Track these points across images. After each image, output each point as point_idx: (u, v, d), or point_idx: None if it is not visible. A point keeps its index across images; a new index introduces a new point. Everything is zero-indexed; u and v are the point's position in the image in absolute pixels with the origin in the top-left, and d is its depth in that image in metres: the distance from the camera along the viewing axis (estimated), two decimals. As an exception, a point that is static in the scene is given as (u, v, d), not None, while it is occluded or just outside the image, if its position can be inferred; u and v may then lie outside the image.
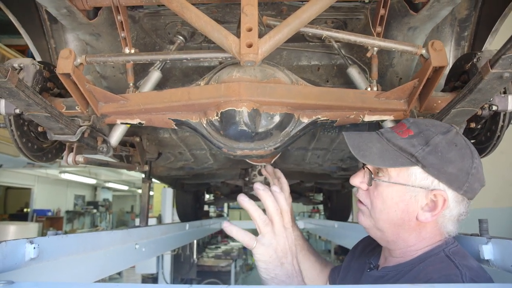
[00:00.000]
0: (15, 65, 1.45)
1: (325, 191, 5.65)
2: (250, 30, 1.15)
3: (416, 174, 0.99)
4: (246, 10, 1.16)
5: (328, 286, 1.42)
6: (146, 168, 2.53)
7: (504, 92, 1.40)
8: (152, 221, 6.54)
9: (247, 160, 1.90)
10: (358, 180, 1.11)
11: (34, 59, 1.77)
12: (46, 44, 1.80)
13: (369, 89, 1.53)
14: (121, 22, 1.46)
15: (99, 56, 1.41)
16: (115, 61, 1.43)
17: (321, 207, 8.62)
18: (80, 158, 1.62)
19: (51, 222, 13.34)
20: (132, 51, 1.51)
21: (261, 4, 1.55)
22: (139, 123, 1.55)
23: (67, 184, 15.56)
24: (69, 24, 1.51)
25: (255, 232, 1.04)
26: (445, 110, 1.31)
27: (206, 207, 6.54)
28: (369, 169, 1.08)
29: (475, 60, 1.40)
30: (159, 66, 1.68)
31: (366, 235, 1.30)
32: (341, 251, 9.45)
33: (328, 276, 1.50)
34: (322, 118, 1.50)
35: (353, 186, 1.17)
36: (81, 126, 1.50)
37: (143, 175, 2.74)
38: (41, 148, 1.67)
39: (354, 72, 1.65)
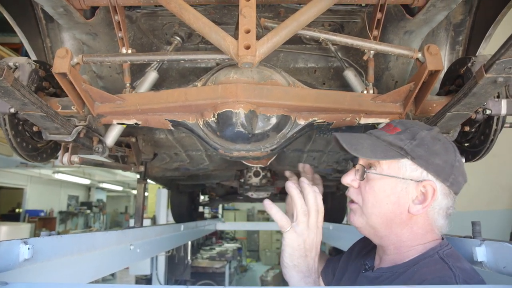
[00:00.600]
0: (11, 64, 1.44)
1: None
2: (248, 32, 1.15)
3: (406, 166, 1.03)
4: (244, 12, 1.17)
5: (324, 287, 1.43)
6: (142, 168, 2.52)
7: (498, 97, 1.42)
8: (146, 222, 6.52)
9: (243, 162, 1.90)
10: (349, 178, 1.14)
11: (29, 58, 1.76)
12: (42, 43, 1.79)
13: (365, 92, 1.54)
14: (119, 22, 1.45)
15: (96, 56, 1.41)
16: (112, 61, 1.43)
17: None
18: (75, 158, 1.61)
19: (44, 223, 13.21)
20: (129, 51, 1.51)
21: (259, 6, 1.56)
22: (136, 123, 1.55)
23: (61, 184, 15.43)
24: (65, 23, 1.50)
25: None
26: (440, 113, 1.32)
27: (201, 208, 6.52)
28: (361, 165, 1.11)
29: (469, 64, 1.42)
30: (156, 66, 1.68)
31: (361, 237, 1.32)
32: (336, 252, 9.46)
33: (322, 270, 1.49)
34: (318, 120, 1.51)
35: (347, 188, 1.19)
36: (76, 126, 1.49)
37: (138, 176, 2.73)
38: (36, 147, 1.66)
39: (350, 75, 1.66)
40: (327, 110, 1.48)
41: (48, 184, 14.57)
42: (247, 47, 1.14)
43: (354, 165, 1.15)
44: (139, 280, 6.80)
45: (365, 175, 1.09)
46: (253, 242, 15.33)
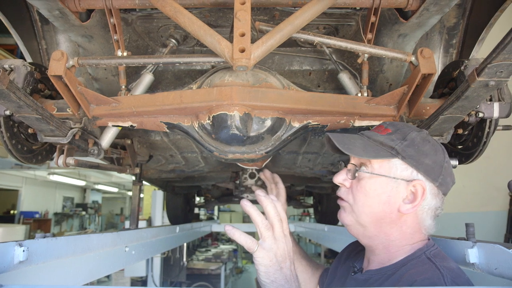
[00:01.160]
0: (6, 66, 1.44)
1: (316, 194, 5.68)
2: (243, 35, 1.16)
3: (397, 166, 1.05)
4: (239, 15, 1.18)
5: None
6: (137, 170, 2.52)
7: (490, 100, 1.44)
8: (142, 223, 6.50)
9: (238, 164, 1.91)
10: (341, 178, 1.15)
11: (24, 59, 1.76)
12: (37, 45, 1.79)
13: (359, 94, 1.56)
14: (114, 24, 1.46)
15: (91, 59, 1.41)
16: (107, 64, 1.43)
17: (311, 210, 8.65)
18: (70, 160, 1.61)
19: (39, 224, 13.15)
20: (125, 53, 1.51)
21: (254, 9, 1.57)
22: (131, 126, 1.55)
23: (56, 185, 15.36)
24: (61, 26, 1.50)
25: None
26: (433, 116, 1.33)
27: (196, 210, 6.51)
28: (353, 164, 1.12)
29: (462, 67, 1.43)
30: (151, 69, 1.68)
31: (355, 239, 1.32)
32: (331, 254, 9.48)
33: (319, 278, 1.52)
34: (313, 123, 1.52)
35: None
36: (72, 128, 1.49)
37: (134, 178, 2.73)
38: (31, 149, 1.65)
39: (345, 78, 1.67)
40: (321, 113, 1.49)
41: (43, 186, 14.50)
42: (242, 51, 1.15)
43: (346, 165, 1.17)
44: (135, 282, 6.78)
45: (356, 174, 1.10)
46: (249, 243, 15.30)
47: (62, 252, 1.55)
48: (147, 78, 1.66)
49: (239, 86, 1.37)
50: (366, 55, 1.50)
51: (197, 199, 6.00)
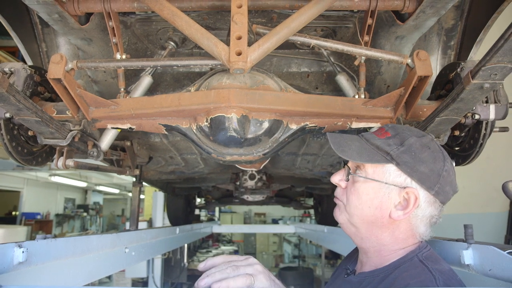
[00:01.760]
0: (6, 69, 1.45)
1: (316, 195, 5.68)
2: (239, 38, 1.17)
3: (390, 172, 1.03)
4: (236, 18, 1.19)
5: None
6: (137, 172, 2.53)
7: (486, 102, 1.44)
8: (143, 225, 6.51)
9: (236, 165, 1.92)
10: (337, 178, 1.16)
11: (25, 61, 1.77)
12: (37, 47, 1.80)
13: (357, 96, 1.56)
14: (113, 27, 1.47)
15: (90, 62, 1.43)
16: (106, 67, 1.44)
17: (312, 211, 8.65)
18: (70, 162, 1.63)
19: (40, 226, 13.16)
20: (124, 56, 1.52)
21: (251, 12, 1.58)
22: (130, 128, 1.56)
23: (57, 187, 15.37)
24: (60, 29, 1.52)
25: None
26: (429, 118, 1.34)
27: (197, 211, 6.52)
28: (348, 166, 1.13)
29: (458, 69, 1.44)
30: (150, 71, 1.70)
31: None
32: (332, 255, 9.46)
33: None
34: (310, 125, 1.53)
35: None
36: (71, 130, 1.51)
37: (134, 179, 2.74)
38: (31, 152, 1.67)
39: (342, 80, 1.68)
40: (318, 115, 1.50)
41: (45, 187, 14.52)
42: (239, 54, 1.16)
43: (344, 165, 1.17)
44: (136, 282, 6.79)
45: (349, 177, 1.11)
46: (250, 244, 15.32)
47: (61, 253, 1.56)
48: (146, 81, 1.67)
49: (236, 88, 1.38)
50: (363, 57, 1.51)
51: (198, 200, 6.01)
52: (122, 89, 1.60)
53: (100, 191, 18.90)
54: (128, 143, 2.30)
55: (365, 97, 1.55)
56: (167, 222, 5.74)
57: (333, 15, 1.64)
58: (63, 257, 1.57)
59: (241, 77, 1.43)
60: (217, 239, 13.17)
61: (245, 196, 4.33)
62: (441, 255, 1.32)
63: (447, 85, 1.57)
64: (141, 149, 2.50)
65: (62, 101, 1.46)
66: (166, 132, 1.58)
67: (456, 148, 1.72)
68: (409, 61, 1.37)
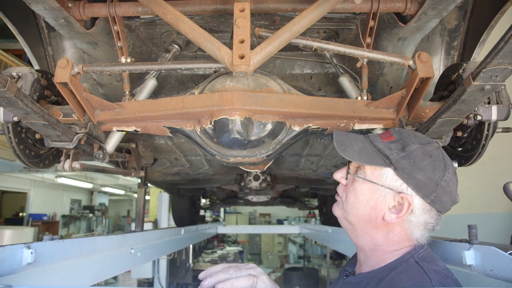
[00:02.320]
0: (14, 73, 1.48)
1: (320, 196, 5.69)
2: (242, 42, 1.19)
3: (388, 175, 1.05)
4: (238, 22, 1.20)
5: None
6: (142, 173, 2.56)
7: (489, 102, 1.45)
8: (148, 225, 6.54)
9: (240, 167, 1.93)
10: (339, 175, 1.18)
11: (31, 65, 1.80)
12: (44, 51, 1.83)
13: (359, 98, 1.57)
14: (118, 32, 1.49)
15: (95, 66, 1.45)
16: (111, 70, 1.46)
17: (317, 212, 8.64)
18: (76, 164, 1.65)
19: (47, 227, 13.26)
20: (129, 59, 1.54)
21: (254, 15, 1.59)
22: (135, 130, 1.58)
23: (64, 188, 15.48)
24: (66, 33, 1.54)
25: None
26: (431, 119, 1.35)
27: (202, 212, 6.55)
28: (348, 165, 1.15)
29: (460, 71, 1.44)
30: (154, 74, 1.72)
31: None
32: (337, 256, 9.45)
33: None
34: (313, 127, 1.54)
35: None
36: (77, 133, 1.53)
37: (139, 181, 2.77)
38: (38, 154, 1.70)
39: (345, 81, 1.69)
40: (321, 117, 1.51)
41: (51, 188, 14.62)
42: (241, 57, 1.17)
43: (348, 164, 1.19)
44: (141, 283, 6.83)
45: (348, 176, 1.14)
46: (255, 245, 15.34)
47: (68, 254, 1.59)
48: (150, 83, 1.69)
49: (240, 91, 1.40)
50: (365, 59, 1.52)
51: (203, 201, 6.04)
52: (127, 92, 1.62)
53: (105, 192, 19.00)
54: (133, 145, 2.33)
55: (367, 99, 1.56)
56: (172, 223, 5.77)
57: (336, 17, 1.65)
58: (70, 258, 1.60)
59: (244, 79, 1.44)
60: (222, 239, 13.18)
61: (249, 197, 4.34)
62: (443, 255, 1.33)
63: (449, 86, 1.57)
64: (146, 151, 2.52)
65: (68, 104, 1.48)
66: (170, 135, 1.60)
67: (459, 149, 1.73)
68: (410, 63, 1.38)
